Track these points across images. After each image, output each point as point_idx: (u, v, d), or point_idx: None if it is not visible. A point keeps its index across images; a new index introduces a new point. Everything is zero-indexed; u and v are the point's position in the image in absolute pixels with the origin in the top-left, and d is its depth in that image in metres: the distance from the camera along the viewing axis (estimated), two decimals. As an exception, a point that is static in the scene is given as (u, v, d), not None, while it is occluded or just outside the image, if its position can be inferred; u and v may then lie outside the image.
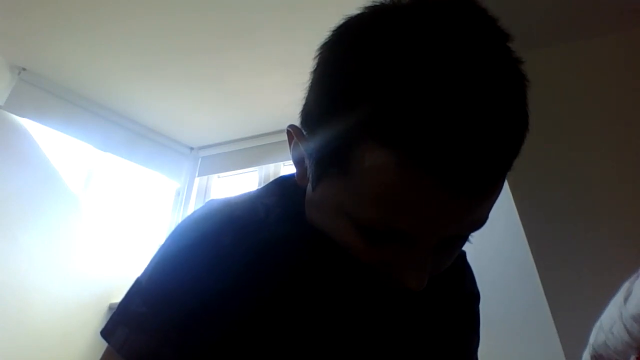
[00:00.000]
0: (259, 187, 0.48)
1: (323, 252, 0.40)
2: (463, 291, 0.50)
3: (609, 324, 0.57)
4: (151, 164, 2.62)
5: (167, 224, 2.65)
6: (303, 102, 0.40)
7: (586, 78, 1.12)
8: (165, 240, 0.43)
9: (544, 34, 1.15)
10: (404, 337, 0.44)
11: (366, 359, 0.41)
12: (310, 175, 0.38)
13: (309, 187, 0.40)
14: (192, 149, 2.84)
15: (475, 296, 0.52)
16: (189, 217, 0.43)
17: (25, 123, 2.10)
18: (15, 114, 2.07)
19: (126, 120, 2.49)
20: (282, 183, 0.48)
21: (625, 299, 0.54)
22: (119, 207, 2.47)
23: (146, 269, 0.41)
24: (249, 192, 0.48)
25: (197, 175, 2.80)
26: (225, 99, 2.33)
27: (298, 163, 0.42)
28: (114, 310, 0.41)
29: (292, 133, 0.41)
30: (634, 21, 1.09)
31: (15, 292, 1.84)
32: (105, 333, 0.39)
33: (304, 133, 0.39)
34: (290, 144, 0.42)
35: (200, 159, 2.83)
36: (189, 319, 0.36)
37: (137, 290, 0.40)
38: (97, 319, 2.18)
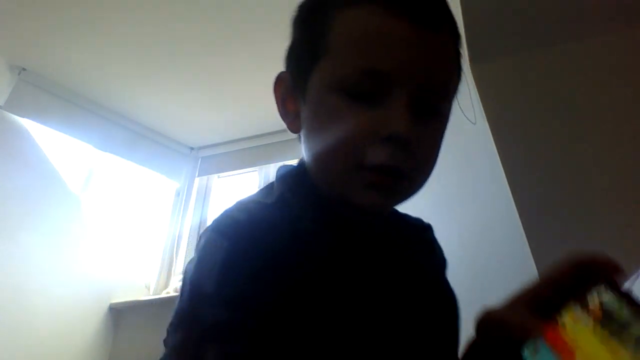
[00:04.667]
0: (265, 187, 0.48)
1: (342, 232, 0.43)
2: (437, 259, 0.56)
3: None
4: (151, 164, 2.62)
5: (167, 224, 2.65)
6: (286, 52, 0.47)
7: (586, 78, 1.12)
8: (213, 243, 0.39)
9: (544, 34, 1.15)
10: (417, 303, 0.45)
11: (397, 321, 0.42)
12: (300, 92, 0.44)
13: (305, 112, 0.44)
14: (192, 149, 2.84)
15: (445, 262, 0.57)
16: (229, 218, 0.41)
17: (25, 123, 2.10)
18: (15, 114, 2.06)
19: (126, 120, 2.49)
20: (288, 176, 0.48)
21: (625, 299, 0.54)
22: (119, 207, 2.47)
23: (202, 277, 0.37)
24: (258, 194, 0.47)
25: (197, 175, 2.79)
26: (225, 99, 2.33)
27: (285, 108, 0.48)
28: (179, 343, 0.35)
29: (281, 78, 0.48)
30: (634, 21, 1.09)
31: (15, 292, 1.84)
32: (193, 356, 0.34)
33: (288, 69, 0.47)
34: (277, 95, 0.48)
35: (200, 159, 2.83)
36: (268, 315, 0.34)
37: (204, 299, 0.35)
38: (97, 319, 2.18)
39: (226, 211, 0.42)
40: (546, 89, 1.13)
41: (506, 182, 1.03)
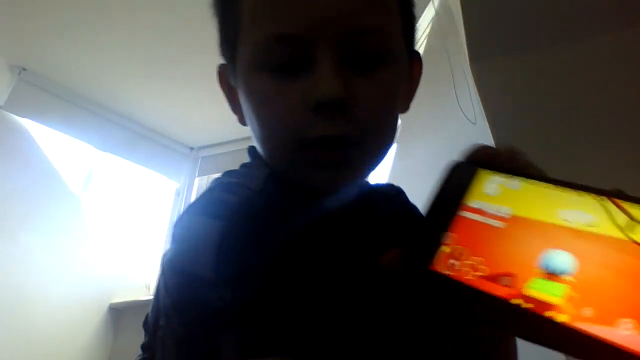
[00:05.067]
0: (243, 167, 0.46)
1: (304, 212, 0.39)
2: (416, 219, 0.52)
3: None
4: (151, 164, 2.62)
5: (167, 224, 2.65)
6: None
7: (586, 78, 1.12)
8: (189, 238, 0.36)
9: (544, 34, 1.15)
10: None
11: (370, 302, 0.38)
12: (234, 81, 0.41)
13: (240, 99, 0.41)
14: (192, 149, 2.84)
15: None
16: (206, 212, 0.38)
17: (25, 123, 2.10)
18: (15, 114, 2.06)
19: (126, 120, 2.49)
20: (251, 149, 0.45)
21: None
22: (119, 207, 2.47)
23: (199, 267, 0.33)
24: (240, 176, 0.44)
25: (197, 175, 2.79)
26: (225, 99, 2.33)
27: (233, 102, 0.44)
28: (184, 337, 0.32)
29: (221, 71, 0.45)
30: (634, 21, 1.09)
31: (15, 292, 1.84)
32: (209, 343, 0.31)
33: (225, 60, 0.43)
34: (224, 91, 0.46)
35: (200, 159, 2.83)
36: (271, 288, 0.32)
37: (207, 287, 0.32)
38: (97, 319, 2.18)
39: (210, 192, 0.39)
40: (546, 88, 1.13)
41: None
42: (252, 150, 0.44)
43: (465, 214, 0.24)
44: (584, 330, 0.18)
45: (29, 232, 1.96)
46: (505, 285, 0.20)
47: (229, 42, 0.41)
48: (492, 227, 0.23)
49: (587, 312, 0.18)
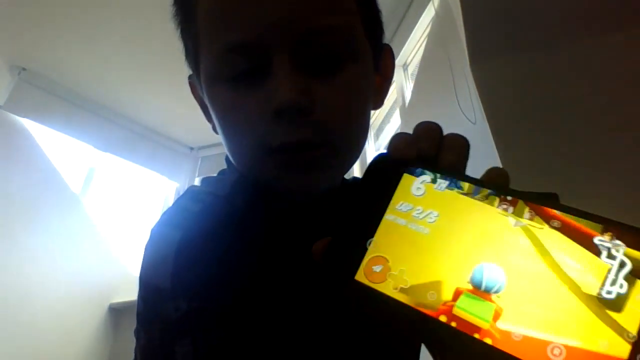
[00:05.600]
0: (220, 174, 0.47)
1: (281, 215, 0.40)
2: None
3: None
4: (151, 164, 2.62)
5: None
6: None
7: (586, 78, 1.12)
8: (151, 250, 0.37)
9: (544, 34, 1.15)
10: None
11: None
12: (202, 91, 0.41)
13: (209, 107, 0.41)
14: (192, 149, 2.84)
15: None
16: (169, 223, 0.39)
17: (25, 123, 2.10)
18: (15, 114, 2.06)
19: (126, 120, 2.49)
20: (226, 158, 0.46)
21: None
22: (119, 208, 2.47)
23: (157, 276, 0.35)
24: (211, 184, 0.46)
25: (197, 175, 2.80)
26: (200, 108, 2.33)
27: (205, 111, 0.44)
28: (145, 346, 0.33)
29: (190, 84, 0.46)
30: (634, 21, 1.09)
31: (15, 292, 1.84)
32: (168, 350, 0.31)
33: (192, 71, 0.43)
34: (197, 101, 0.46)
35: (200, 159, 2.83)
36: (227, 297, 0.33)
37: (165, 297, 0.33)
38: (97, 319, 2.18)
39: (178, 201, 0.39)
40: (546, 88, 1.13)
41: (506, 182, 1.03)
42: (227, 156, 0.44)
43: (391, 218, 0.23)
44: (510, 354, 0.17)
45: (29, 232, 1.96)
46: (430, 300, 0.19)
47: (190, 54, 0.41)
48: (417, 233, 0.22)
49: (515, 333, 0.18)
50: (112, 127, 2.43)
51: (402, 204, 0.23)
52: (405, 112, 1.78)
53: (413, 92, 1.72)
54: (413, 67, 1.75)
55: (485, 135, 1.11)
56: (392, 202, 0.23)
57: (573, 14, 1.11)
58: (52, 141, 2.19)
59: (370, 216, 0.23)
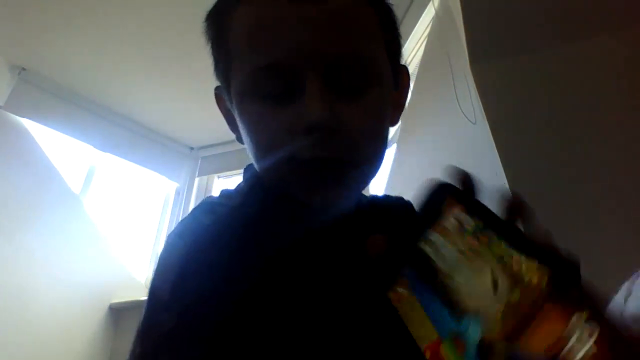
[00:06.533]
0: (240, 183, 0.49)
1: (301, 225, 0.41)
2: None
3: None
4: (151, 164, 2.62)
5: (167, 224, 2.65)
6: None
7: (587, 78, 1.12)
8: (174, 250, 0.39)
9: (544, 35, 1.15)
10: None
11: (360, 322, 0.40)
12: (230, 104, 0.43)
13: (237, 122, 0.43)
14: (192, 149, 2.84)
15: None
16: (192, 223, 0.41)
17: (25, 123, 2.10)
18: (15, 114, 2.06)
19: (126, 120, 2.49)
20: (246, 168, 0.49)
21: (626, 299, 0.54)
22: (119, 208, 2.47)
23: (160, 286, 0.36)
24: (229, 194, 0.47)
25: (197, 175, 2.79)
26: (224, 118, 2.33)
27: (230, 122, 0.46)
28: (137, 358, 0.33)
29: (217, 95, 0.48)
30: (634, 21, 1.09)
31: (15, 292, 1.84)
32: None
33: (220, 83, 0.45)
34: (222, 112, 0.48)
35: (200, 159, 2.83)
36: (224, 322, 0.33)
37: (162, 310, 0.34)
38: (97, 319, 2.18)
39: (194, 212, 0.41)
40: (546, 89, 1.13)
41: (506, 182, 1.03)
42: (246, 169, 0.47)
43: (424, 247, 0.24)
44: None
45: (29, 232, 1.96)
46: (427, 340, 0.21)
47: (221, 69, 0.42)
48: (437, 268, 0.23)
49: None
50: (112, 127, 2.43)
51: (435, 235, 0.24)
52: (405, 111, 1.78)
53: (413, 92, 1.72)
54: (413, 67, 1.74)
55: (485, 135, 1.11)
56: (431, 229, 0.24)
57: (573, 14, 1.11)
58: (52, 141, 2.19)
59: (412, 239, 0.24)
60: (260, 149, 0.39)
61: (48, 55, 2.06)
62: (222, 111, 0.48)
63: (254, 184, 0.44)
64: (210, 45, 0.45)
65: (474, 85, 1.15)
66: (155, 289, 0.36)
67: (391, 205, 0.54)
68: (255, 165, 0.42)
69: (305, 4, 0.35)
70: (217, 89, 0.48)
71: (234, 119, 0.44)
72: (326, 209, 0.40)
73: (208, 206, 0.41)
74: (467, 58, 1.17)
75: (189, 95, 2.31)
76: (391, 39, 0.43)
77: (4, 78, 2.06)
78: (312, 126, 0.35)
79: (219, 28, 0.41)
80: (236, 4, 0.38)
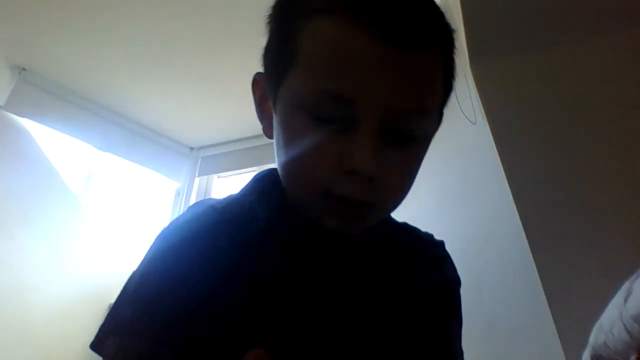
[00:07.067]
0: (242, 187, 0.49)
1: (308, 240, 0.43)
2: (441, 276, 0.52)
3: (609, 324, 0.57)
4: (151, 164, 2.62)
5: (167, 224, 2.65)
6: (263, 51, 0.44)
7: (587, 78, 1.12)
8: (151, 246, 0.42)
9: (544, 34, 1.15)
10: (385, 324, 0.44)
11: (354, 345, 0.41)
12: (272, 100, 0.42)
13: (274, 122, 0.42)
14: (192, 149, 2.84)
15: (455, 281, 0.54)
16: (174, 221, 0.43)
17: (25, 123, 2.10)
18: (15, 114, 2.06)
19: (126, 120, 2.49)
20: (261, 179, 0.49)
21: (626, 299, 0.54)
22: (119, 207, 2.47)
23: (132, 277, 0.40)
24: (234, 194, 0.48)
25: (197, 175, 2.79)
26: (225, 99, 2.33)
27: (261, 112, 0.46)
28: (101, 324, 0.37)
29: (258, 80, 0.46)
30: (634, 21, 1.09)
31: (14, 292, 1.84)
32: (96, 345, 0.36)
33: (265, 72, 0.44)
34: (255, 97, 0.47)
35: (200, 159, 2.83)
36: (180, 317, 0.35)
37: (125, 298, 0.38)
38: (97, 319, 2.18)
39: (188, 211, 0.43)
40: (546, 89, 1.13)
41: (506, 182, 1.03)
42: (257, 175, 0.49)
43: None
44: None
45: (29, 231, 1.96)
46: None
47: (278, 66, 0.40)
48: None
49: None
50: (112, 127, 2.43)
51: None
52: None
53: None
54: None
55: (485, 135, 1.12)
56: None
57: (573, 13, 1.11)
58: (52, 141, 2.19)
59: None
60: (296, 166, 0.39)
61: (48, 55, 2.06)
62: (255, 97, 0.47)
63: (264, 189, 0.46)
64: (270, 32, 0.43)
65: (474, 85, 1.15)
66: (126, 282, 0.39)
67: (421, 239, 0.54)
68: (281, 173, 0.43)
69: (401, 48, 0.34)
70: (258, 74, 0.46)
71: (267, 109, 0.44)
72: (340, 234, 0.42)
73: (194, 215, 0.42)
74: (467, 58, 1.17)
75: (189, 95, 2.31)
76: (447, 95, 0.43)
77: (4, 78, 2.06)
78: (357, 171, 0.35)
79: (288, 31, 0.39)
80: (331, 11, 0.35)
